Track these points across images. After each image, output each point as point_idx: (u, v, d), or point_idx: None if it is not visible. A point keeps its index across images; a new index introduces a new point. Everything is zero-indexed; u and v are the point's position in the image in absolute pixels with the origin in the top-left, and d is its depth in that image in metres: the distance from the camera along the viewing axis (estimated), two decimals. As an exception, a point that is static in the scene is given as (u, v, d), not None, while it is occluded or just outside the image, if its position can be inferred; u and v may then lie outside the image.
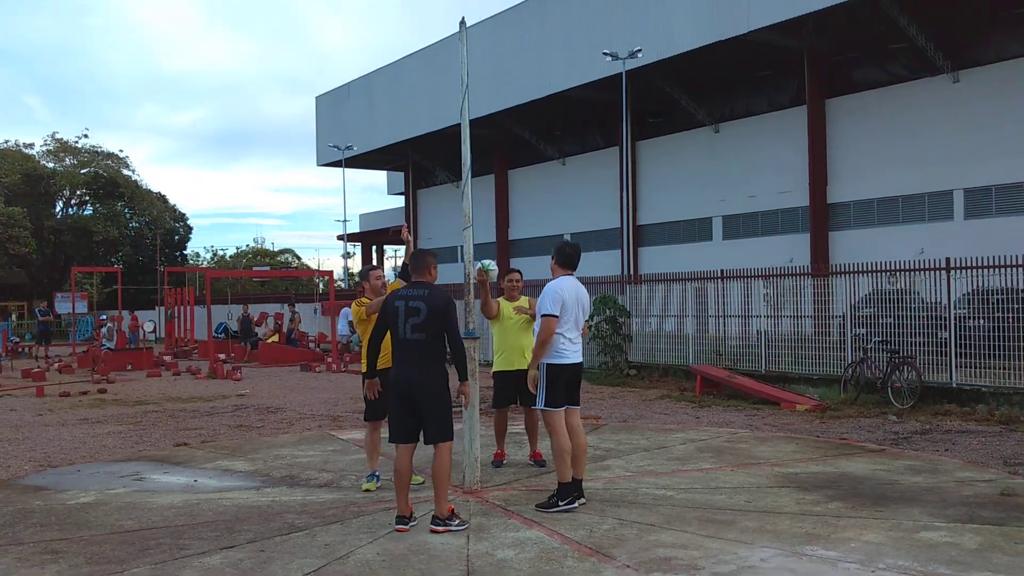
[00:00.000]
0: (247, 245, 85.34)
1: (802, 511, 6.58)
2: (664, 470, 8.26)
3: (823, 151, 33.53)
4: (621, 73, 33.54)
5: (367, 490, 7.59)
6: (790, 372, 15.79)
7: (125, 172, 60.30)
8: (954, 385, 13.32)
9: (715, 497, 7.08)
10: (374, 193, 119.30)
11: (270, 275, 50.96)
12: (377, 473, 7.75)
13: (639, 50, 30.83)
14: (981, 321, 13.66)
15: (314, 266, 76.59)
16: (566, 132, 44.18)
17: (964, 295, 14.24)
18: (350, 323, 26.17)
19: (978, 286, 13.82)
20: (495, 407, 8.67)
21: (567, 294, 6.87)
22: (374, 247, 67.11)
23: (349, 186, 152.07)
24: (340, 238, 61.27)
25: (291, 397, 16.34)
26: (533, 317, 8.52)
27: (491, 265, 7.75)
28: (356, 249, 67.48)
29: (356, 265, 70.55)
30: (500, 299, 8.57)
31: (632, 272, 35.95)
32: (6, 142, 60.29)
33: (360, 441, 10.42)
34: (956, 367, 13.41)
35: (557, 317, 6.80)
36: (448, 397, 6.42)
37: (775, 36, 31.41)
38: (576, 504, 6.75)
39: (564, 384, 6.93)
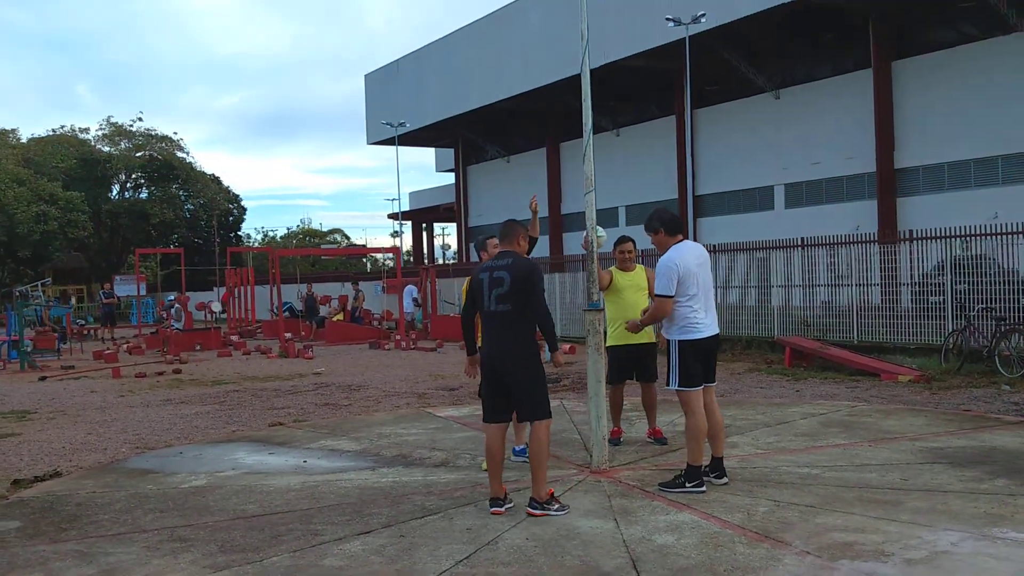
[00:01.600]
0: (297, 225, 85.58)
1: (968, 489, 6.12)
2: (796, 447, 7.82)
3: (889, 115, 32.48)
4: (676, 41, 32.76)
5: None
6: (885, 342, 15.21)
7: (180, 155, 60.58)
8: (1067, 353, 12.67)
9: (866, 475, 6.63)
10: (421, 171, 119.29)
11: (338, 252, 51.00)
12: (517, 448, 7.43)
13: (703, 15, 30.01)
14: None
15: (362, 244, 76.75)
16: (619, 102, 43.42)
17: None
18: (414, 300, 25.99)
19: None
20: (610, 383, 8.25)
21: (684, 264, 6.34)
22: (424, 225, 66.93)
23: (395, 166, 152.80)
24: (392, 216, 61.21)
25: (368, 375, 16.11)
26: (651, 293, 8.12)
27: (600, 232, 7.31)
28: (406, 227, 67.40)
29: (405, 244, 70.68)
30: (612, 268, 8.14)
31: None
32: (61, 127, 60.96)
33: (460, 419, 10.15)
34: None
35: (670, 297, 6.34)
36: (541, 372, 6.03)
37: (840, -1, 30.48)
38: (704, 488, 6.31)
39: (700, 360, 6.47)
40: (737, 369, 15.35)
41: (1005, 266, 14.43)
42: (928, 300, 15.89)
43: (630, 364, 7.90)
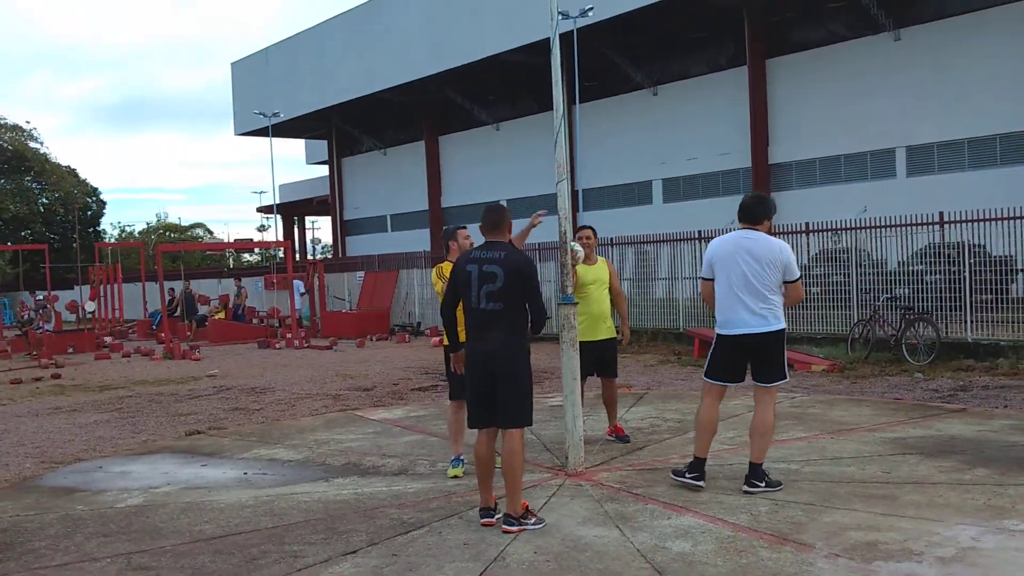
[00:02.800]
0: (156, 220, 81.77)
1: (954, 481, 6.12)
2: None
3: (764, 112, 33.49)
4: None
5: (455, 476, 6.83)
6: (791, 333, 15.49)
7: (33, 145, 56.70)
8: (970, 340, 13.19)
9: (845, 469, 6.56)
10: (289, 164, 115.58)
11: (225, 247, 48.84)
12: (462, 457, 6.98)
13: (591, 8, 30.09)
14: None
15: (224, 239, 73.90)
16: (500, 97, 43.25)
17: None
18: (302, 295, 25.05)
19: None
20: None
21: (716, 252, 6.12)
22: (295, 218, 65.08)
23: (263, 158, 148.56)
24: (263, 210, 59.22)
25: (269, 376, 15.31)
26: (613, 288, 7.89)
27: (576, 246, 7.12)
28: (270, 222, 65.44)
29: (274, 237, 68.75)
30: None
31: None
32: None
33: (397, 422, 9.67)
34: (972, 322, 13.29)
35: (707, 280, 6.13)
36: (529, 377, 5.59)
37: (715, -5, 31.14)
38: (701, 483, 6.13)
39: (728, 356, 6.09)
40: (648, 361, 15.37)
41: (876, 258, 15.18)
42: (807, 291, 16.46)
43: (592, 360, 7.63)
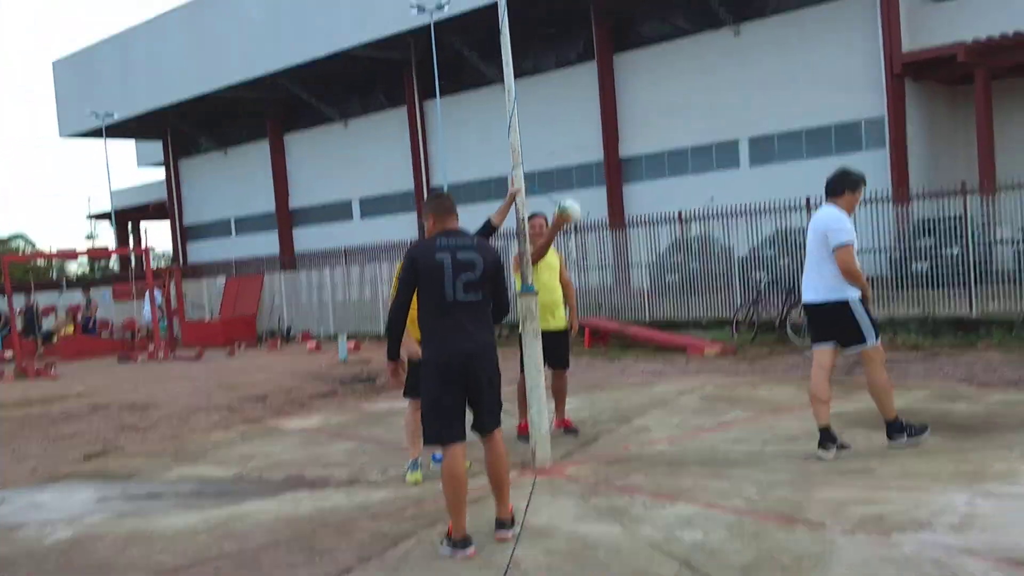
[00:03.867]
0: (-33, 231, 75.63)
1: (917, 450, 6.29)
2: (708, 425, 7.75)
3: (613, 106, 34.21)
4: (408, 30, 32.46)
5: (415, 483, 6.50)
6: (677, 319, 15.85)
7: None
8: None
9: (806, 446, 6.62)
10: (117, 168, 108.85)
11: (74, 256, 45.49)
12: (420, 459, 6.66)
13: (447, 2, 29.83)
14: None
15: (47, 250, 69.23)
16: (348, 93, 42.36)
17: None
18: (159, 306, 23.67)
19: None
20: (522, 372, 7.75)
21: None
22: (130, 225, 61.57)
23: (86, 163, 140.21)
24: (98, 217, 55.73)
25: (145, 391, 14.30)
26: (563, 278, 7.76)
27: (573, 205, 6.90)
28: (100, 229, 61.89)
29: (109, 245, 65.22)
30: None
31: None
32: None
33: (319, 429, 9.21)
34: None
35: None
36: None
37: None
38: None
39: (808, 322, 6.75)
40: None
41: (726, 244, 15.97)
42: (664, 279, 17.09)
43: (545, 351, 7.46)
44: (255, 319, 22.93)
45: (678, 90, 32.59)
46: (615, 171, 34.24)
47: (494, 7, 7.20)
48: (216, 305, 24.67)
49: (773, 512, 5.17)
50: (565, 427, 7.78)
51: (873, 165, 25.11)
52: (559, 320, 7.58)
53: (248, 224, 47.74)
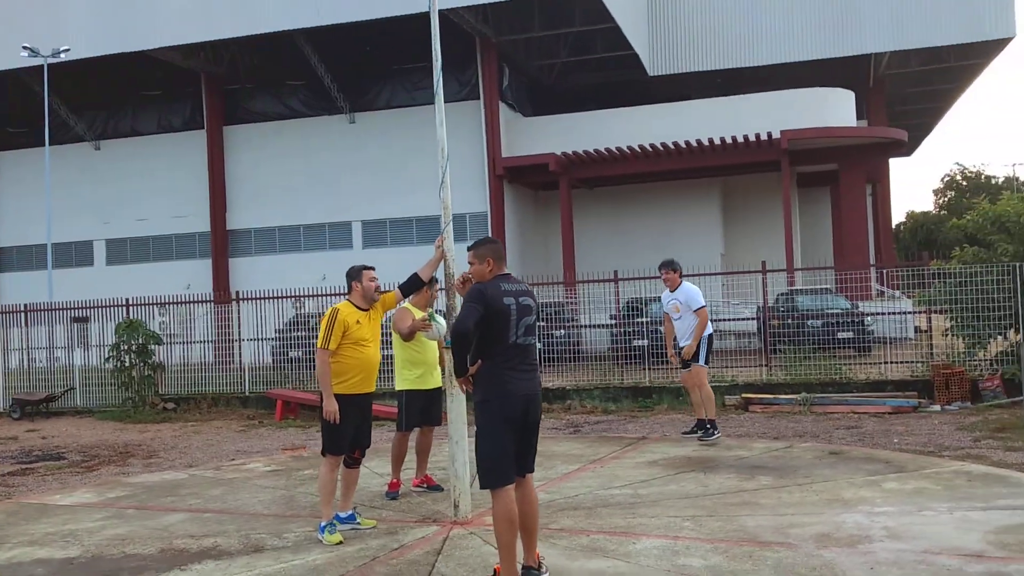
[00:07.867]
0: None
1: (765, 486, 7.31)
2: (554, 475, 8.10)
3: (222, 177, 33.36)
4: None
5: (339, 543, 6.09)
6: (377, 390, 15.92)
7: None
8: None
9: (667, 488, 7.34)
10: None
11: None
12: (342, 516, 6.32)
13: (67, 49, 26.98)
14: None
15: None
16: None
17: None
18: None
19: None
20: (404, 429, 7.54)
21: None
22: None
23: None
24: None
25: None
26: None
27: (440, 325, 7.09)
28: None
29: None
30: (408, 306, 7.55)
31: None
32: None
33: (109, 503, 7.96)
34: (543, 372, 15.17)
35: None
36: None
37: (176, 56, 30.27)
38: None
39: None
40: (234, 428, 14.36)
41: None
42: (288, 354, 17.33)
43: (421, 410, 7.41)
44: None
45: (292, 169, 32.72)
46: (222, 243, 33.24)
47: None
48: None
49: (735, 538, 5.80)
50: (428, 484, 7.71)
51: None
52: (438, 378, 7.57)
53: None
